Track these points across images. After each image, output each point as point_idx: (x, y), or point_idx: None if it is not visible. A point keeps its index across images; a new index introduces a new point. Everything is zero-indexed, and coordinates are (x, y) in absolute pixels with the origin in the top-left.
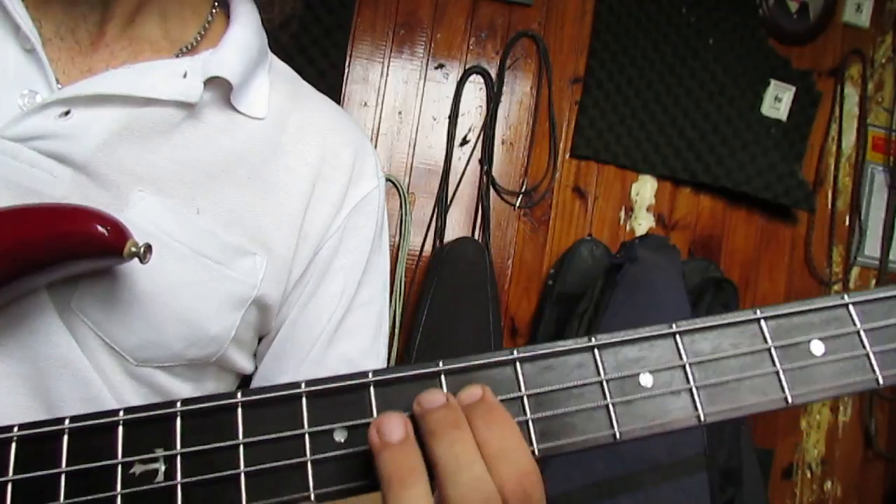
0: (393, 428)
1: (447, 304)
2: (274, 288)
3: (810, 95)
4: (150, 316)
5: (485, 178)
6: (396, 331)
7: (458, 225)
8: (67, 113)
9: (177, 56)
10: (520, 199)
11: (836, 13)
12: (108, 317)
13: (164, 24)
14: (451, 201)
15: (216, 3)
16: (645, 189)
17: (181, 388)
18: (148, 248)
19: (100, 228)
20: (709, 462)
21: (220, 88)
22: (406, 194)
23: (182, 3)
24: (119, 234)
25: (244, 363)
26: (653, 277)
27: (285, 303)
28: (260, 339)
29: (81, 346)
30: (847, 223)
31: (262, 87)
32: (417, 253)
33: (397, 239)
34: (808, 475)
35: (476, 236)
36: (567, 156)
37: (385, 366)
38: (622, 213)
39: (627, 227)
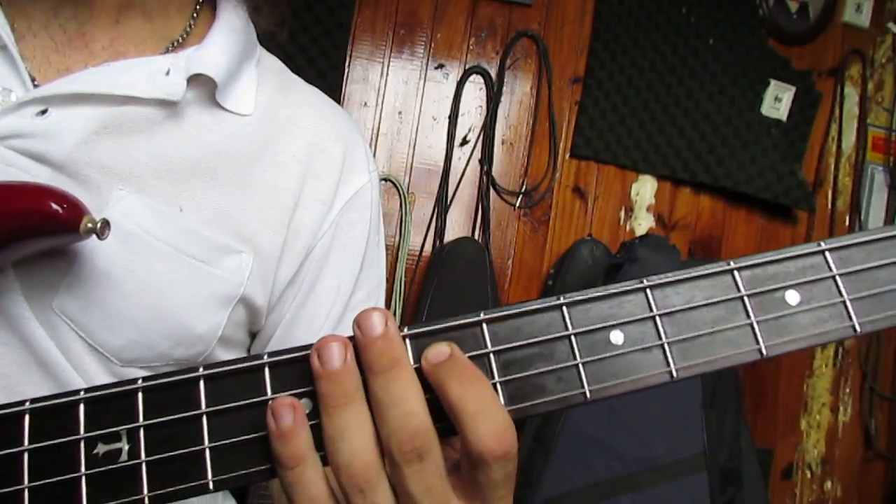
0: (333, 355)
1: (447, 304)
2: (260, 286)
3: (810, 95)
4: (133, 316)
5: (485, 178)
6: None
7: (458, 225)
8: (45, 112)
9: (163, 54)
10: (520, 199)
11: (836, 13)
12: (90, 318)
13: (149, 23)
14: (451, 201)
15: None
16: (645, 189)
17: None
18: (105, 223)
19: (54, 205)
20: (709, 462)
21: (205, 86)
22: (406, 194)
23: (166, 1)
24: (75, 210)
25: None
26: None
27: (279, 302)
28: (254, 336)
29: (62, 348)
30: (847, 223)
31: (249, 83)
32: (417, 253)
33: (397, 239)
34: (808, 475)
35: (476, 236)
36: (567, 156)
37: None
38: (622, 213)
39: (627, 227)
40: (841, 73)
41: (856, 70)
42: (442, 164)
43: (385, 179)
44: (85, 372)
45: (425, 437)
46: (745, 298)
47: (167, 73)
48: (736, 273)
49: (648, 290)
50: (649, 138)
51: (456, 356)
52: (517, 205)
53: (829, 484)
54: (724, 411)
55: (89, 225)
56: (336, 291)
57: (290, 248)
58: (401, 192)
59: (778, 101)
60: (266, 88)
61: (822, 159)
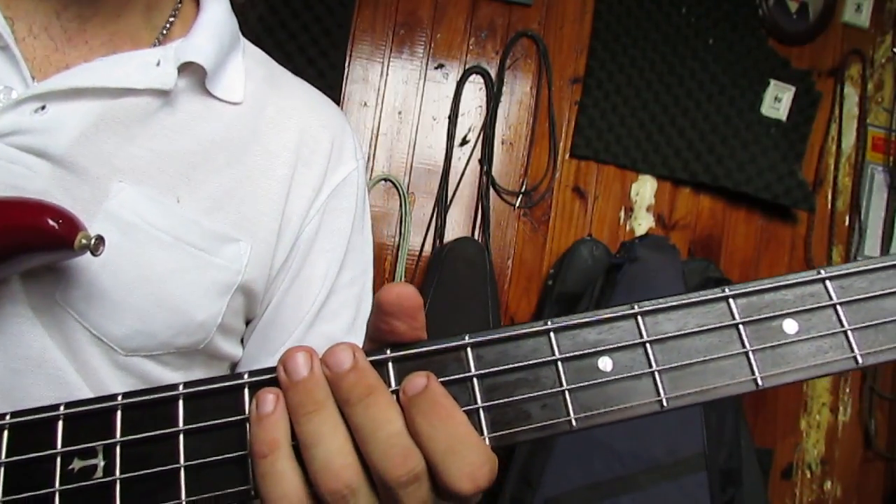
0: (299, 365)
1: (447, 304)
2: (258, 273)
3: (810, 95)
4: (136, 305)
5: (485, 178)
6: None
7: (458, 225)
8: (43, 108)
9: (153, 46)
10: (520, 199)
11: (836, 13)
12: (94, 308)
13: (146, 13)
14: (450, 201)
15: None
16: (645, 189)
17: (170, 377)
18: (100, 239)
19: (50, 221)
20: (709, 462)
21: (195, 74)
22: (406, 194)
23: None
24: (70, 226)
25: (232, 350)
26: (652, 277)
27: (269, 287)
28: (247, 324)
29: (62, 343)
30: (847, 223)
31: (238, 72)
32: (417, 253)
33: (397, 239)
34: (808, 475)
35: (476, 236)
36: (567, 156)
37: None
38: (622, 213)
39: (627, 227)
40: (841, 73)
41: (856, 70)
42: (442, 164)
43: (385, 179)
44: (88, 364)
45: (418, 455)
46: (740, 326)
47: (158, 64)
48: (731, 300)
49: (639, 317)
50: (649, 138)
51: (430, 389)
52: (517, 205)
53: (828, 484)
54: (723, 411)
55: (83, 241)
56: (322, 277)
57: (283, 235)
58: (401, 192)
59: (778, 101)
60: (254, 78)
61: (822, 159)
